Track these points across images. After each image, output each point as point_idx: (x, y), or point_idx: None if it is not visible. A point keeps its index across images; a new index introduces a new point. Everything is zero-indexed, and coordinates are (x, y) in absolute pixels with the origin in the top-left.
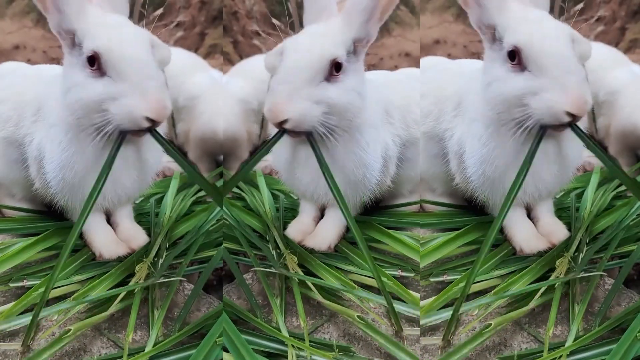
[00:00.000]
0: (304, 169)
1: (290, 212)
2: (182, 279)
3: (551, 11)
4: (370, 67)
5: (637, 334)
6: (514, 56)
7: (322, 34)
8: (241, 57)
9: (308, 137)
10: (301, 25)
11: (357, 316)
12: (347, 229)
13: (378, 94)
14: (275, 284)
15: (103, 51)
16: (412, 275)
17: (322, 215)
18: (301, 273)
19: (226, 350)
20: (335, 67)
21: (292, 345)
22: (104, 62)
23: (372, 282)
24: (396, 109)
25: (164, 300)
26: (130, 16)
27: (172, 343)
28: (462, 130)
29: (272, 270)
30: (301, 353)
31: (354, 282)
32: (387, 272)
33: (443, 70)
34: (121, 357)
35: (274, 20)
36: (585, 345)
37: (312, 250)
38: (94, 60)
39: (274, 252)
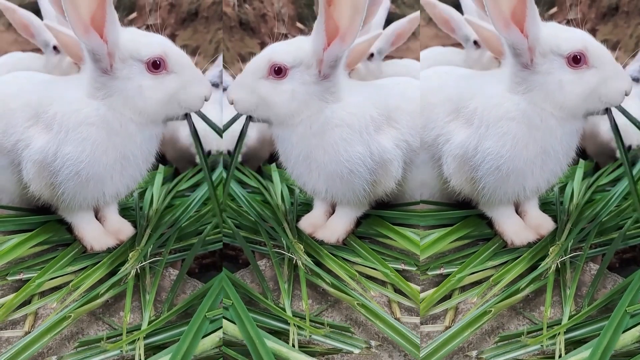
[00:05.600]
0: (295, 165)
1: (306, 206)
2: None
3: None
4: None
5: (626, 309)
6: (578, 59)
7: (287, 43)
8: None
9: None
10: None
11: (358, 303)
12: (357, 224)
13: (376, 99)
14: (284, 271)
15: (169, 53)
16: (414, 269)
17: (334, 211)
18: (309, 260)
19: (226, 319)
20: (276, 71)
21: (294, 324)
22: (170, 62)
23: (376, 273)
24: (406, 114)
25: (154, 281)
26: None
27: (165, 321)
28: (468, 133)
29: (284, 254)
30: (301, 332)
31: (359, 273)
32: (390, 265)
33: (426, 79)
34: (116, 336)
35: (299, 24)
36: (579, 323)
37: (322, 242)
38: (157, 64)
39: (284, 241)
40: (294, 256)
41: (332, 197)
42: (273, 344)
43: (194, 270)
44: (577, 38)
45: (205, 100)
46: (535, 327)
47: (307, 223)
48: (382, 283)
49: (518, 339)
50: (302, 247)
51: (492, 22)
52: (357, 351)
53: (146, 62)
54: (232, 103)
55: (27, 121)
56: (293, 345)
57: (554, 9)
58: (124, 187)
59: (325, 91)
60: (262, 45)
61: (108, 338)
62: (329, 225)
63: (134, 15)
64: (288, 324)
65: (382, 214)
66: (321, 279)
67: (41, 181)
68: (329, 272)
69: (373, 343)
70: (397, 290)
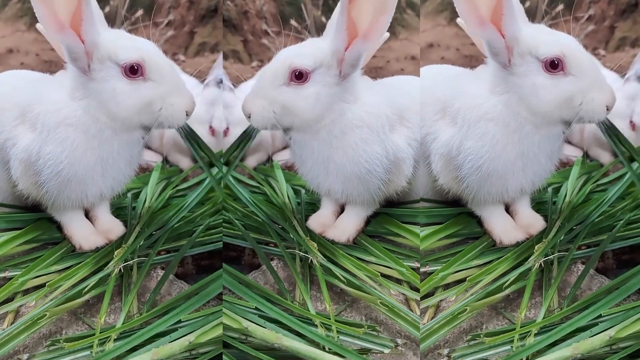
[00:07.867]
0: (312, 167)
1: (311, 206)
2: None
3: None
4: (377, 69)
5: (602, 312)
6: (555, 64)
7: (301, 46)
8: (250, 56)
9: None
10: (314, 28)
11: (380, 301)
12: (366, 223)
13: (389, 99)
14: (298, 269)
15: (147, 59)
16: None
17: (342, 210)
18: (324, 258)
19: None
20: (297, 75)
21: (322, 324)
22: (148, 69)
23: (390, 272)
24: (415, 114)
25: (136, 281)
26: (120, 18)
27: (141, 321)
28: (452, 132)
29: (302, 253)
30: (328, 333)
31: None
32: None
33: (421, 79)
34: (93, 335)
35: (293, 22)
36: (554, 323)
37: (332, 241)
38: (135, 69)
39: (295, 240)
40: (308, 255)
41: (347, 198)
42: (303, 345)
43: (191, 272)
44: (557, 42)
45: (187, 115)
46: (511, 327)
47: (316, 222)
48: (396, 280)
49: (493, 338)
50: (315, 245)
51: (463, 19)
52: (387, 351)
53: (122, 66)
54: (249, 117)
55: (15, 120)
56: (323, 348)
57: (560, 7)
58: (107, 189)
59: (345, 92)
60: (245, 42)
61: (81, 338)
62: (339, 224)
63: (140, 12)
64: (311, 324)
65: (390, 212)
66: (337, 278)
67: (27, 180)
68: (344, 271)
69: (399, 341)
70: (413, 288)
